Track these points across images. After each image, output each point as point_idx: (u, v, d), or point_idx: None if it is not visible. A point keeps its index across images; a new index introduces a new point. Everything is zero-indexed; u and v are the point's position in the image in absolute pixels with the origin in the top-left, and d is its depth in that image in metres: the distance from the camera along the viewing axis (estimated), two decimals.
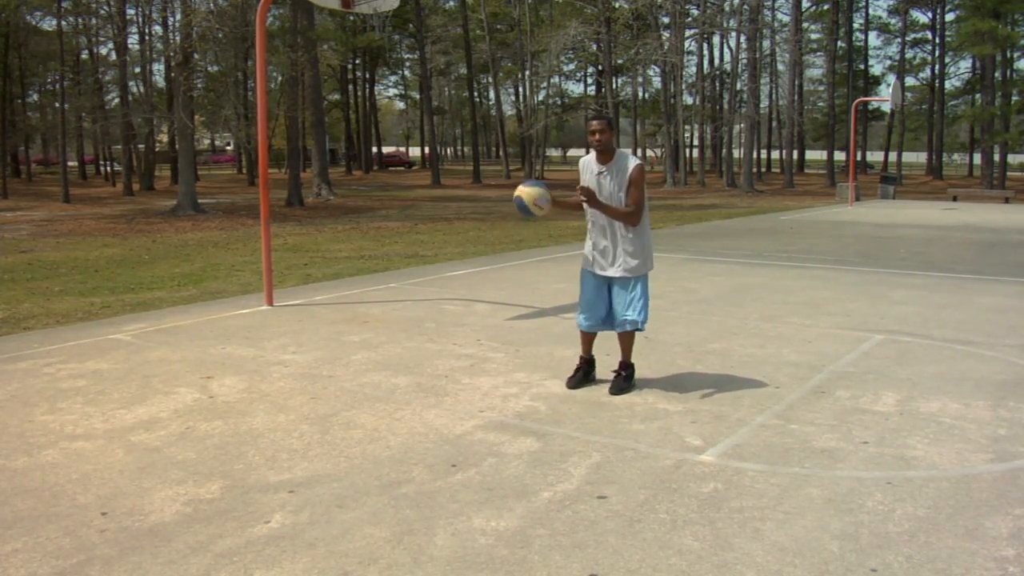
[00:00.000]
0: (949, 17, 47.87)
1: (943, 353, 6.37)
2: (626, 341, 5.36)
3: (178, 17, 26.52)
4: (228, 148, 67.86)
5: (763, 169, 54.76)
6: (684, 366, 5.96)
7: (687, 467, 4.06)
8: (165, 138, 43.90)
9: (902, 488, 3.82)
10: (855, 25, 50.72)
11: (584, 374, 5.46)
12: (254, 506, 3.62)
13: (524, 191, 5.16)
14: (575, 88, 79.73)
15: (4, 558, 3.17)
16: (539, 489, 3.80)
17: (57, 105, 34.21)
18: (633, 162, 5.09)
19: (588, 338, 5.46)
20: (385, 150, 70.05)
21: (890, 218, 20.24)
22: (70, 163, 40.63)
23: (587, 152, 5.65)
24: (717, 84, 47.98)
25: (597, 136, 5.05)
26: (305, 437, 4.47)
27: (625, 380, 5.34)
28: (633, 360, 5.43)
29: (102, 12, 33.16)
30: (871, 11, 60.76)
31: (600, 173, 5.12)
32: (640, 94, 49.33)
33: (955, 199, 28.68)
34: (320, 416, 4.82)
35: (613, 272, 5.18)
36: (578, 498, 3.70)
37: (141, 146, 37.45)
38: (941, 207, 24.90)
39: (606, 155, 5.11)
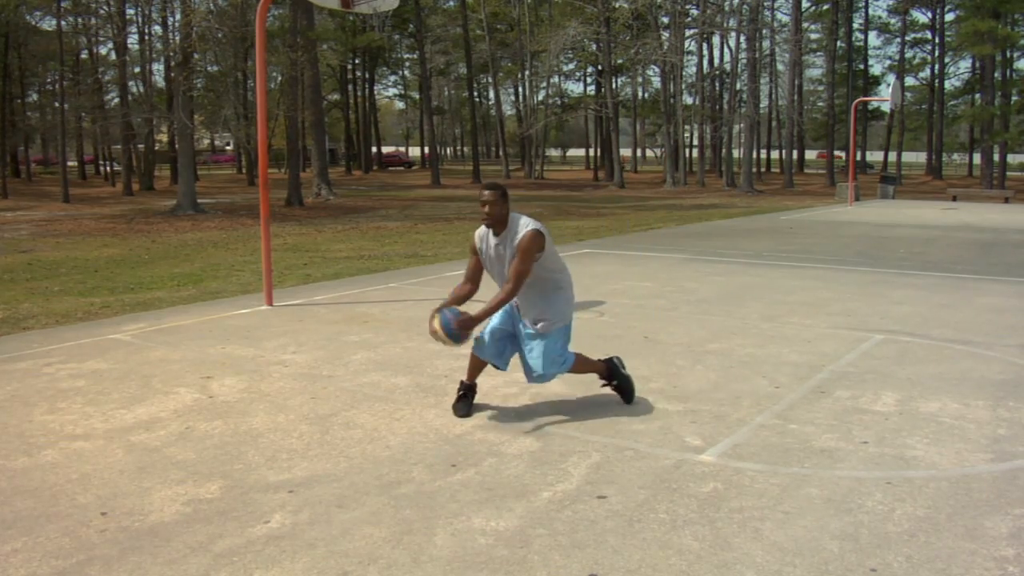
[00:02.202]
0: (949, 17, 47.93)
1: (943, 353, 6.37)
2: (578, 368, 4.89)
3: (178, 17, 26.52)
4: (228, 148, 67.84)
5: (763, 169, 54.78)
6: (684, 366, 5.96)
7: (687, 467, 4.06)
8: (165, 138, 43.91)
9: (902, 488, 3.82)
10: (855, 25, 50.77)
11: (467, 399, 4.92)
12: (254, 506, 3.62)
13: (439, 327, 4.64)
14: (575, 88, 79.86)
15: (4, 558, 3.17)
16: (539, 489, 3.80)
17: (57, 105, 34.20)
18: (523, 228, 4.54)
19: (476, 363, 4.91)
20: (385, 150, 70.07)
21: (890, 218, 20.24)
22: (70, 163, 40.66)
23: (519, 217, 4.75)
24: (717, 84, 47.99)
25: (487, 208, 4.54)
26: (305, 437, 4.47)
27: (619, 387, 5.06)
28: (625, 362, 5.29)
29: (102, 12, 33.18)
30: (871, 11, 60.77)
31: (497, 245, 4.67)
32: (640, 94, 49.42)
33: (955, 199, 28.68)
34: (320, 416, 4.82)
35: (527, 324, 4.74)
36: (578, 498, 3.70)
37: (141, 146, 37.46)
38: (941, 207, 24.90)
39: (499, 226, 4.62)
